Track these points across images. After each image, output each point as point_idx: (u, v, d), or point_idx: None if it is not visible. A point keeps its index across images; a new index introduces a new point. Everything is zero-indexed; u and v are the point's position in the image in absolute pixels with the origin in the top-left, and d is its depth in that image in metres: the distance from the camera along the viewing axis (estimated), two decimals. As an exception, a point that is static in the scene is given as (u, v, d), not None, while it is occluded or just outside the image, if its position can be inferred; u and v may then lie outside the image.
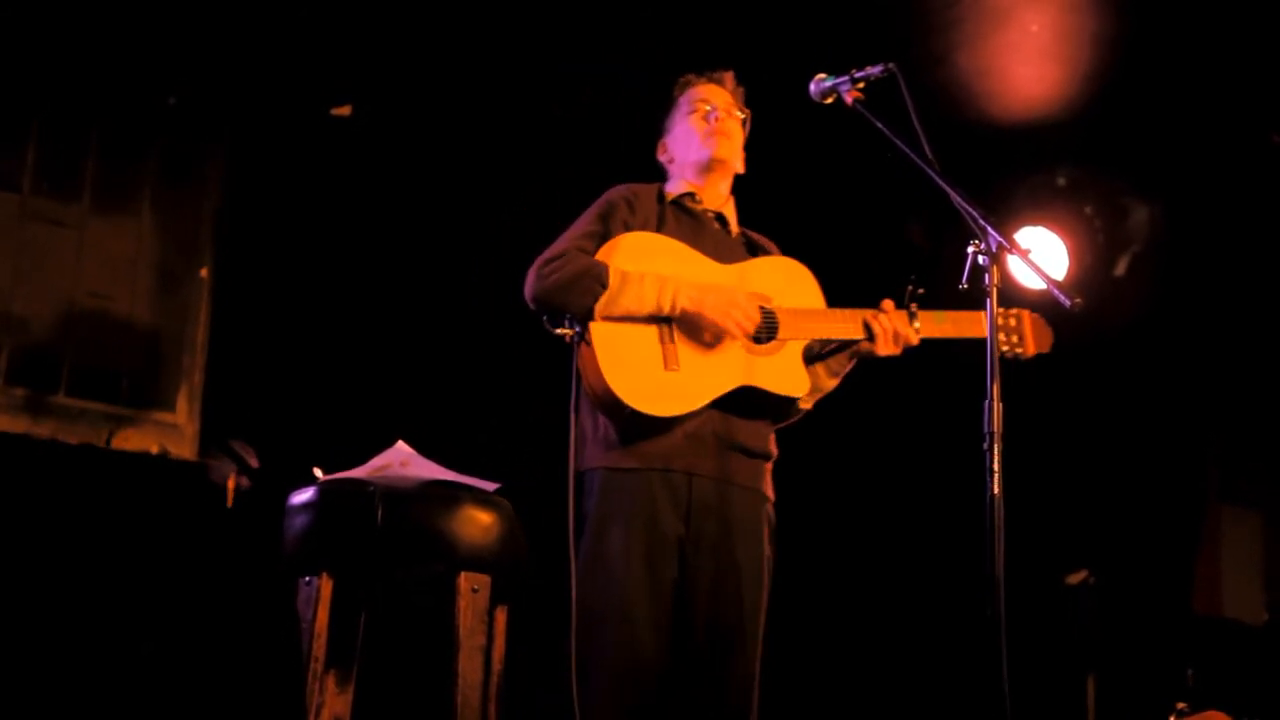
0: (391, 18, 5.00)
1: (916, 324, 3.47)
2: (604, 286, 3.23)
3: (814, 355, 3.53)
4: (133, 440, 4.97)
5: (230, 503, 4.70)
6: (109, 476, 4.72)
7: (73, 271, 5.02)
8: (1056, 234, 5.78)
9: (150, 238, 5.19)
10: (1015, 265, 3.32)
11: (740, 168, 3.64)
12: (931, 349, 3.63)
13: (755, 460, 3.44)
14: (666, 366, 3.27)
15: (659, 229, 3.47)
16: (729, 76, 3.64)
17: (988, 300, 2.89)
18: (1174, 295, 5.81)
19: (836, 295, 3.54)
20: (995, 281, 2.90)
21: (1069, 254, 5.78)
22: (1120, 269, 5.99)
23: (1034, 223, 5.79)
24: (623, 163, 3.69)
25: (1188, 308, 5.84)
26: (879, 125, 3.07)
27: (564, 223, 3.47)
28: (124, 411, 5.01)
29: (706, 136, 3.55)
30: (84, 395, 4.95)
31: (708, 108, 3.57)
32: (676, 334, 3.31)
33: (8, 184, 4.96)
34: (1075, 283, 5.64)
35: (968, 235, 2.94)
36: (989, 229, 2.90)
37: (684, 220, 3.53)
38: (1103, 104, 5.43)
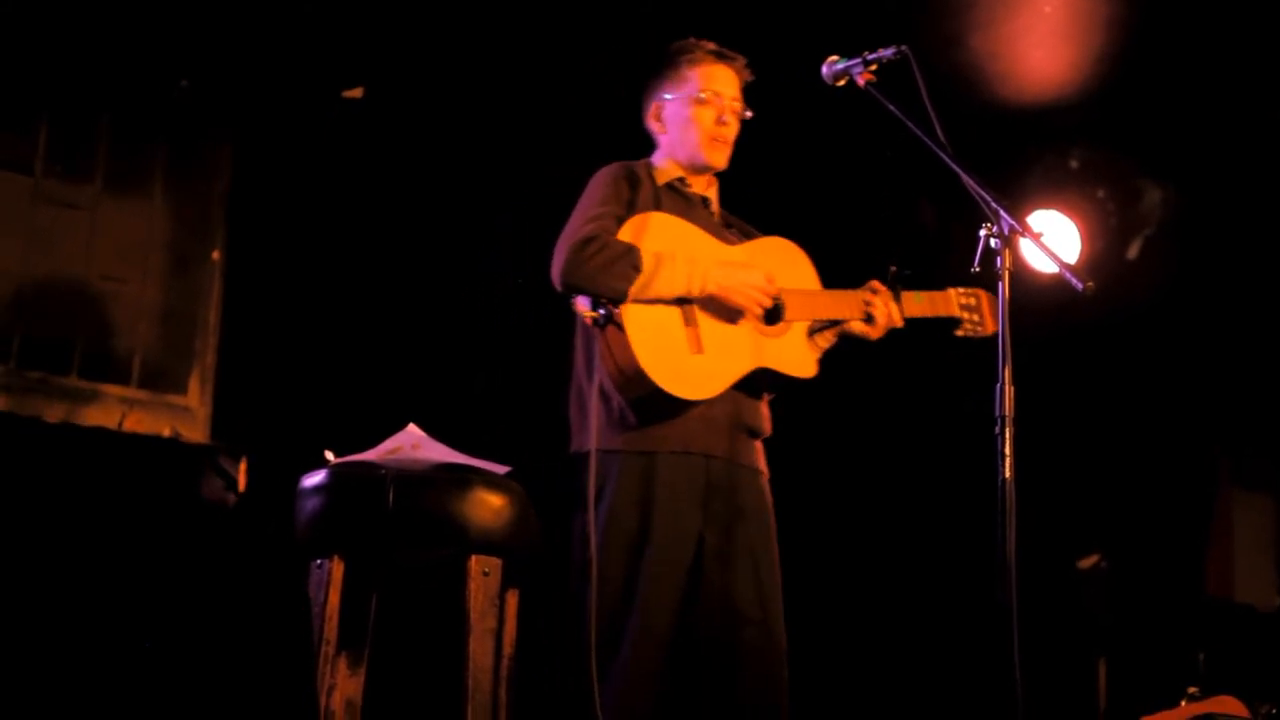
0: (402, 1, 4.99)
1: (901, 305, 3.49)
2: (638, 270, 3.19)
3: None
4: (145, 423, 4.97)
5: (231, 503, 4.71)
6: (121, 459, 4.72)
7: (84, 254, 5.01)
8: (1069, 217, 5.76)
9: (162, 220, 5.18)
10: (1028, 249, 3.29)
11: None
12: (943, 337, 3.63)
13: (756, 439, 3.45)
14: (691, 350, 3.26)
15: (657, 210, 3.40)
16: (743, 63, 3.51)
17: (1000, 284, 2.89)
18: (1187, 279, 5.79)
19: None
20: (1008, 265, 2.89)
21: (1081, 237, 5.76)
22: (1133, 252, 5.97)
23: (1046, 206, 5.77)
24: (637, 151, 3.65)
25: (1200, 291, 5.83)
26: (891, 108, 3.06)
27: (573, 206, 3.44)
28: (136, 394, 5.02)
29: (710, 142, 3.45)
30: (96, 378, 4.95)
31: (720, 103, 3.44)
32: (698, 316, 3.29)
33: (20, 166, 4.95)
34: (1088, 266, 5.62)
35: (980, 218, 2.94)
36: (1001, 212, 2.89)
37: (678, 202, 3.47)
38: (1116, 86, 5.41)
